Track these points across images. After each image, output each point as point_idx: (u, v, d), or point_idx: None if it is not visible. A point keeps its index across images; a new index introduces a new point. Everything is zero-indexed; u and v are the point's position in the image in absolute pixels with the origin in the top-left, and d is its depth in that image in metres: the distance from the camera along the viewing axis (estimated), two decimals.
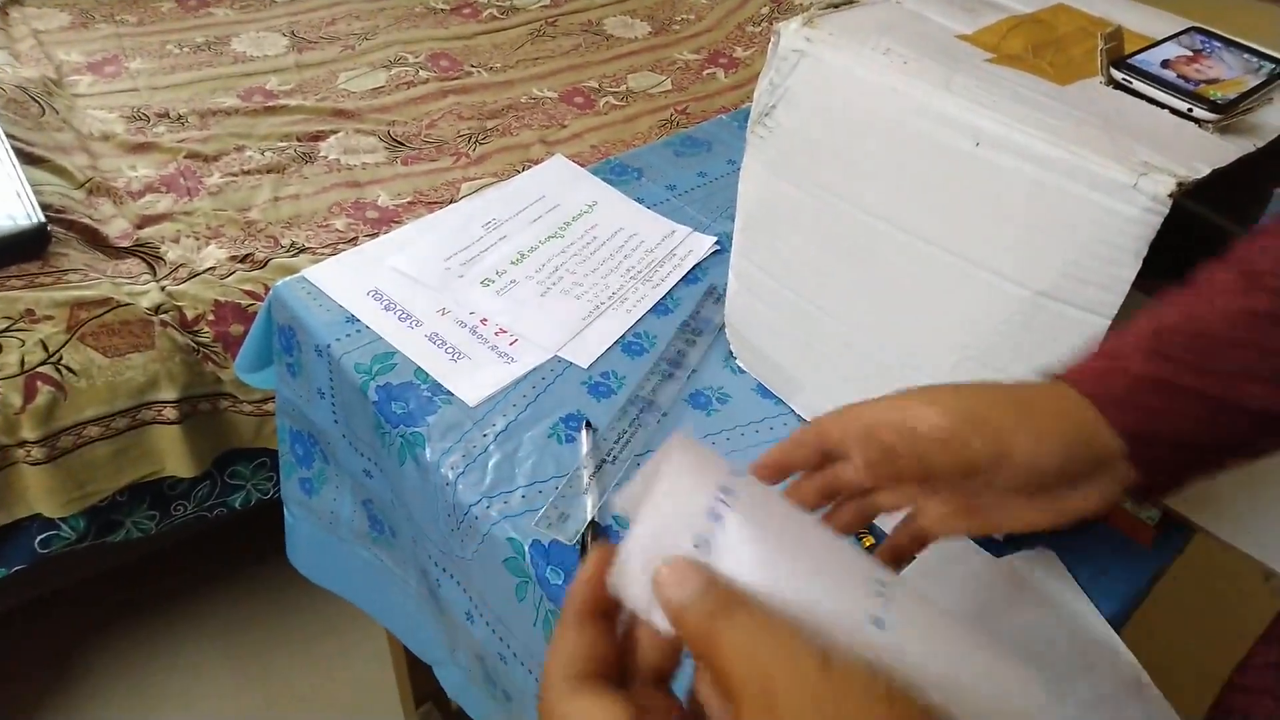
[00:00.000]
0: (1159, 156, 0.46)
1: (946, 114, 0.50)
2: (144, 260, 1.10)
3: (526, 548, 0.56)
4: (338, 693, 1.28)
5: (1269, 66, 0.57)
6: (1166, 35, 0.59)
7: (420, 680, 1.11)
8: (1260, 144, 0.51)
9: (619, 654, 0.29)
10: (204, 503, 1.10)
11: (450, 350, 0.69)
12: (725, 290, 0.70)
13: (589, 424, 0.64)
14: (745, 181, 0.63)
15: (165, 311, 1.02)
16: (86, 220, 1.12)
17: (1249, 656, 0.48)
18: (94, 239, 1.11)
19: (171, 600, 1.34)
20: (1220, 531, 0.55)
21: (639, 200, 0.86)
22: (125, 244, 1.12)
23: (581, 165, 0.91)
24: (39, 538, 1.00)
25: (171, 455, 1.00)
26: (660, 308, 0.75)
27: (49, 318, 0.97)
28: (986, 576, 0.56)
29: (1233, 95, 0.53)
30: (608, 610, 0.29)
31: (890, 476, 0.40)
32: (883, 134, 0.53)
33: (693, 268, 0.79)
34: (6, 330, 0.95)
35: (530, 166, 0.92)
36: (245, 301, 1.06)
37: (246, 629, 1.33)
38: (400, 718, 1.20)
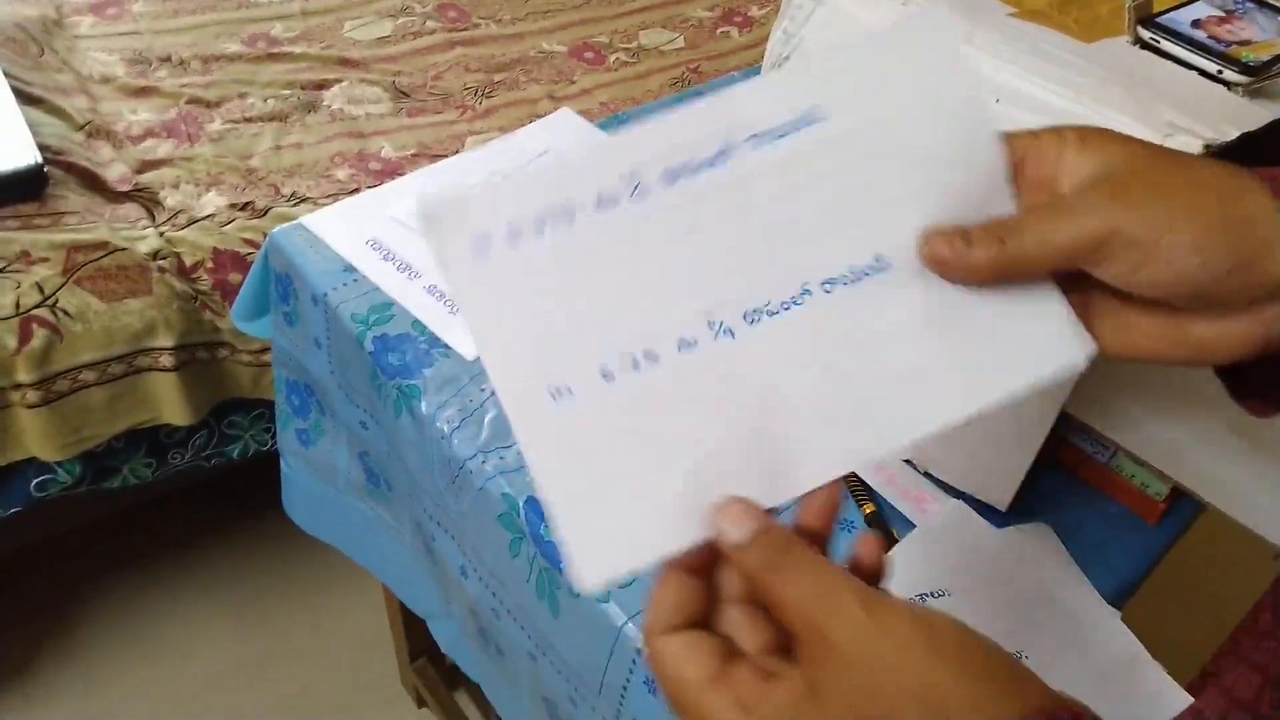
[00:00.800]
0: (1186, 118, 0.45)
1: None
2: (143, 205, 1.08)
3: (521, 504, 0.56)
4: (333, 644, 1.28)
5: None
6: None
7: (415, 634, 1.11)
8: None
9: (707, 598, 0.30)
10: (201, 452, 1.09)
11: (449, 303, 0.68)
12: None
13: None
14: None
15: (163, 258, 1.00)
16: (85, 163, 1.11)
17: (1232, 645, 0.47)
18: (92, 182, 1.09)
19: (169, 549, 1.34)
20: (1229, 508, 0.54)
21: None
22: (124, 188, 1.10)
23: (589, 121, 0.89)
24: (35, 481, 0.99)
25: (168, 403, 1.00)
26: None
27: (45, 260, 0.96)
28: (984, 546, 0.56)
29: (1265, 58, 0.51)
30: (693, 563, 0.30)
31: None
32: None
33: None
34: (2, 271, 0.94)
35: (537, 121, 0.90)
36: (244, 250, 1.04)
37: (243, 579, 1.33)
38: (395, 670, 1.21)
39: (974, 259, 0.31)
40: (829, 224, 0.32)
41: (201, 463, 1.10)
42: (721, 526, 0.29)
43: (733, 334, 0.31)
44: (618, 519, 0.30)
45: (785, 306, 0.31)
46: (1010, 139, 0.33)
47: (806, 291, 0.32)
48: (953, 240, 0.31)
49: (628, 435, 0.31)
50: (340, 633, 1.29)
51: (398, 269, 0.70)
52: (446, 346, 0.65)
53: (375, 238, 0.73)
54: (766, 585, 0.28)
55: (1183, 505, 0.58)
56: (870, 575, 0.30)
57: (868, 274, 0.32)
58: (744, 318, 0.31)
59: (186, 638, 1.27)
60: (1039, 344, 0.32)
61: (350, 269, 0.70)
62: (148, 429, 1.03)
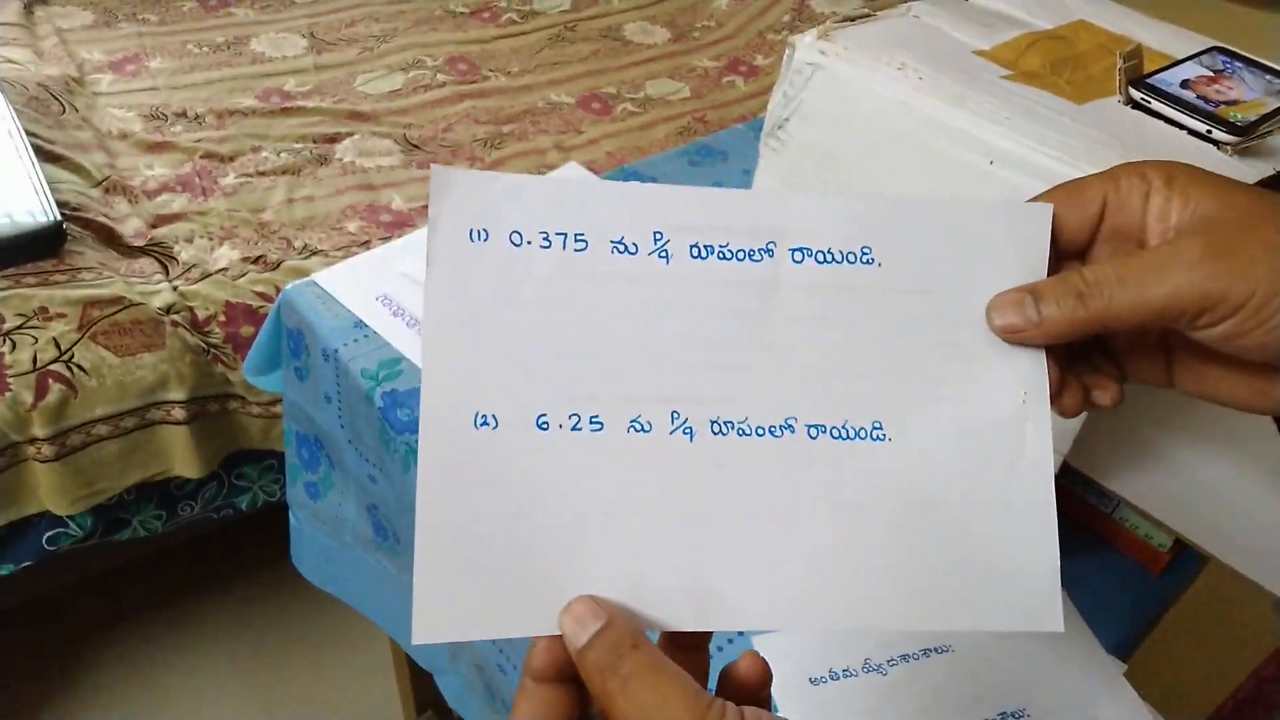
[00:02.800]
0: None
1: (960, 130, 0.49)
2: (157, 260, 1.10)
3: None
4: (340, 697, 1.28)
5: None
6: (1188, 55, 0.58)
7: (421, 688, 1.10)
8: None
9: (573, 706, 0.27)
10: (211, 503, 1.10)
11: None
12: None
13: None
14: None
15: (177, 311, 1.02)
16: (102, 219, 1.13)
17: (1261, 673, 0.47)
18: (109, 237, 1.11)
19: (177, 601, 1.34)
20: (1231, 560, 0.54)
21: None
22: (139, 243, 1.13)
23: (597, 172, 0.91)
24: (47, 535, 1.00)
25: (179, 455, 1.01)
26: None
27: (62, 315, 0.98)
28: None
29: (1253, 117, 0.52)
30: (562, 670, 0.27)
31: None
32: (896, 149, 0.53)
33: None
34: (20, 327, 0.96)
35: (545, 172, 0.91)
36: (256, 303, 1.06)
37: (251, 631, 1.33)
38: None
39: (1048, 316, 0.29)
40: (843, 368, 0.29)
41: (211, 514, 1.11)
42: (564, 624, 0.26)
43: (692, 435, 0.28)
44: (480, 580, 0.27)
45: (760, 431, 0.29)
46: (1084, 185, 0.31)
47: (789, 427, 0.29)
48: (1022, 305, 0.29)
49: (533, 495, 0.27)
50: (346, 686, 1.29)
51: (407, 324, 0.72)
52: None
53: (386, 293, 0.74)
54: (603, 692, 0.25)
55: (1187, 557, 0.58)
56: (748, 685, 0.28)
57: (861, 437, 0.29)
58: (711, 424, 0.29)
59: (193, 690, 1.26)
60: (1014, 596, 0.30)
61: (361, 325, 0.71)
62: (158, 481, 1.04)
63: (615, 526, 0.27)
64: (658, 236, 0.29)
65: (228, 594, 1.36)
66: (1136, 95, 0.54)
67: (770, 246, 0.29)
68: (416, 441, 0.63)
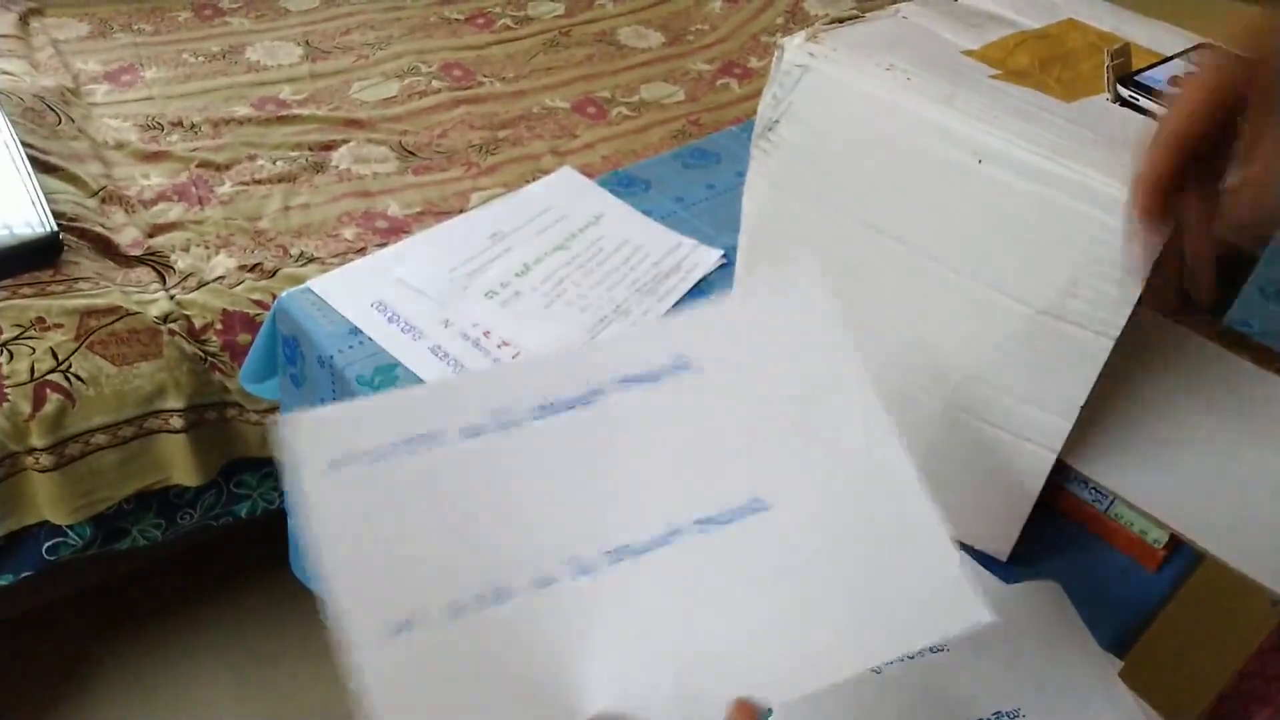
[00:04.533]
0: None
1: (949, 130, 0.50)
2: (154, 269, 1.11)
3: None
4: (339, 705, 1.27)
5: None
6: (1175, 52, 0.59)
7: None
8: None
9: None
10: (210, 511, 1.10)
11: (452, 363, 0.69)
12: None
13: None
14: (749, 196, 0.63)
15: (174, 320, 1.02)
16: (99, 229, 1.13)
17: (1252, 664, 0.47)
18: (105, 247, 1.12)
19: (177, 609, 1.34)
20: (1226, 556, 0.54)
21: (646, 212, 0.86)
22: (136, 252, 1.13)
23: (591, 176, 0.91)
24: (46, 544, 1.00)
25: (178, 464, 1.01)
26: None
27: (59, 326, 0.98)
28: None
29: None
30: None
31: None
32: (885, 150, 0.53)
33: (699, 281, 0.79)
34: (17, 338, 0.96)
35: (541, 177, 0.92)
36: (253, 311, 1.06)
37: (251, 638, 1.33)
38: None
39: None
40: (702, 464, 0.32)
41: (210, 522, 1.11)
42: None
43: (594, 574, 0.30)
44: None
45: (651, 547, 0.30)
46: None
47: (676, 531, 0.31)
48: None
49: (469, 677, 0.29)
50: (345, 694, 1.28)
51: (402, 330, 0.72)
52: None
53: (380, 300, 0.74)
54: None
55: (1183, 552, 0.58)
56: None
57: (743, 515, 0.31)
58: (606, 556, 0.30)
59: (193, 698, 1.26)
60: (935, 604, 0.32)
61: (356, 331, 0.71)
62: (157, 490, 1.04)
63: (562, 673, 0.29)
64: (500, 414, 0.31)
65: (229, 602, 1.36)
66: (1124, 92, 0.54)
67: (598, 388, 0.32)
68: None
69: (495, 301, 0.75)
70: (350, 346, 0.70)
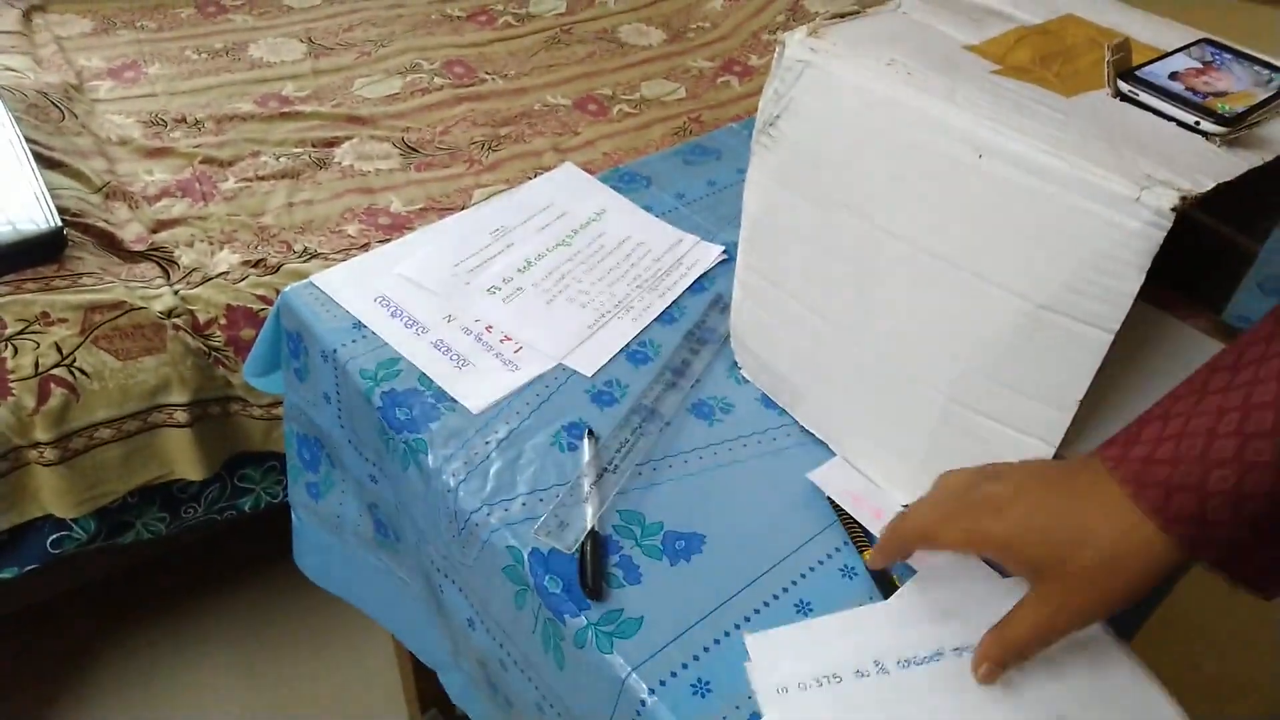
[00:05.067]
0: (1163, 169, 0.46)
1: (949, 125, 0.50)
2: (158, 264, 1.11)
3: (526, 555, 0.56)
4: (344, 696, 1.28)
5: (1279, 79, 0.57)
6: (1176, 47, 0.59)
7: (425, 685, 1.11)
8: (1268, 158, 0.51)
9: None
10: (214, 505, 1.11)
11: (455, 357, 0.70)
12: (731, 299, 0.69)
13: (591, 432, 0.64)
14: (750, 191, 0.63)
15: (178, 315, 1.03)
16: (103, 224, 1.14)
17: None
18: (109, 243, 1.12)
19: (180, 603, 1.35)
20: None
21: (647, 208, 0.87)
22: (140, 248, 1.13)
23: (593, 173, 0.91)
24: (50, 538, 1.01)
25: (181, 458, 1.01)
26: (666, 316, 0.75)
27: (63, 320, 0.98)
28: (992, 592, 0.56)
29: (1241, 108, 0.53)
30: None
31: None
32: (886, 145, 0.53)
33: (700, 277, 0.79)
34: (22, 333, 0.96)
35: (542, 173, 0.92)
36: (257, 306, 1.07)
37: (254, 632, 1.33)
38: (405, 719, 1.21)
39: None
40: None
41: (214, 516, 1.12)
42: None
43: None
44: None
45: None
46: None
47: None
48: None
49: None
50: (351, 685, 1.29)
51: (405, 325, 0.72)
52: (453, 400, 0.66)
53: (383, 294, 0.75)
54: None
55: None
56: None
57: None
58: None
59: (198, 691, 1.27)
60: None
61: (359, 325, 0.72)
62: (161, 484, 1.04)
63: None
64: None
65: (232, 596, 1.36)
66: (1124, 88, 0.54)
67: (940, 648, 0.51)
68: (414, 440, 0.63)
69: (498, 297, 0.75)
70: (353, 341, 0.71)
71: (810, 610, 0.54)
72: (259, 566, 1.38)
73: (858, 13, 0.60)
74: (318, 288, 0.75)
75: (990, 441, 0.55)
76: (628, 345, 0.72)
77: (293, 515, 0.87)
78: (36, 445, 0.95)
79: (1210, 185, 0.45)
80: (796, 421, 0.67)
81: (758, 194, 0.63)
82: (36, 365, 0.95)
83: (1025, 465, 0.49)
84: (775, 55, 0.58)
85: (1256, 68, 0.58)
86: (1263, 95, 0.55)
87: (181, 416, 1.00)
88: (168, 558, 1.32)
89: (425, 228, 0.83)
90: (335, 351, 0.70)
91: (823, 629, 0.52)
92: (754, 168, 0.62)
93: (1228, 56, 0.59)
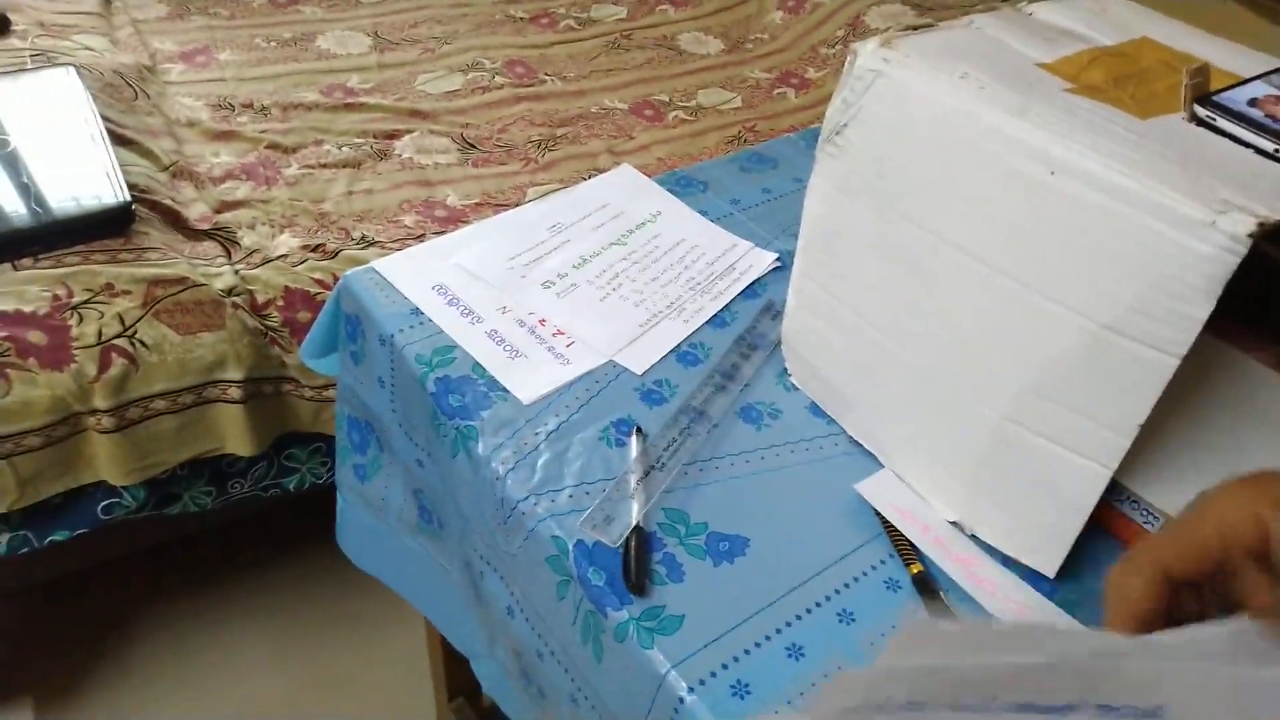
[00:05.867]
0: (1240, 195, 0.45)
1: (1021, 141, 0.50)
2: (220, 243, 1.14)
3: (570, 547, 0.57)
4: (373, 681, 1.30)
5: None
6: (1255, 74, 0.58)
7: (455, 673, 1.12)
8: None
9: None
10: (260, 482, 1.13)
11: (509, 348, 0.71)
12: (783, 307, 0.70)
13: (639, 429, 0.64)
14: (811, 198, 0.64)
15: (237, 294, 1.05)
16: (169, 202, 1.17)
17: None
18: (175, 220, 1.15)
19: (219, 576, 1.38)
20: None
21: (703, 213, 0.87)
22: (204, 227, 1.16)
23: (648, 175, 0.92)
24: (102, 504, 1.03)
25: (232, 434, 1.04)
26: (717, 320, 0.75)
27: (127, 293, 1.01)
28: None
29: None
30: None
31: None
32: (955, 157, 0.53)
33: (752, 283, 0.79)
34: (87, 302, 0.99)
35: (596, 174, 0.93)
36: (314, 289, 1.09)
37: (289, 611, 1.36)
38: (433, 709, 1.22)
39: None
40: None
41: (259, 493, 1.14)
42: None
43: None
44: None
45: None
46: None
47: None
48: None
49: None
50: (380, 670, 1.31)
51: (461, 314, 0.73)
52: (505, 390, 0.67)
53: (441, 283, 0.76)
54: None
55: None
56: None
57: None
58: None
59: (230, 666, 1.29)
60: None
61: (417, 312, 0.73)
62: (210, 459, 1.07)
63: None
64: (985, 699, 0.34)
65: (270, 573, 1.39)
66: (1202, 112, 0.54)
67: (1078, 704, 0.33)
68: (465, 427, 0.64)
69: (552, 291, 0.76)
70: (410, 327, 0.72)
71: (853, 620, 0.54)
72: (298, 546, 1.41)
73: (931, 26, 0.60)
74: (378, 273, 0.77)
75: (1045, 462, 0.54)
76: (678, 346, 0.73)
77: (338, 496, 0.88)
78: (95, 412, 0.98)
79: None
80: (845, 431, 0.66)
81: (820, 201, 0.63)
82: (99, 335, 0.98)
83: None
84: (846, 64, 0.58)
85: None
86: None
87: (235, 393, 1.03)
88: (211, 531, 1.35)
89: (483, 221, 0.84)
90: (392, 336, 0.71)
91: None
92: (817, 175, 0.62)
93: None
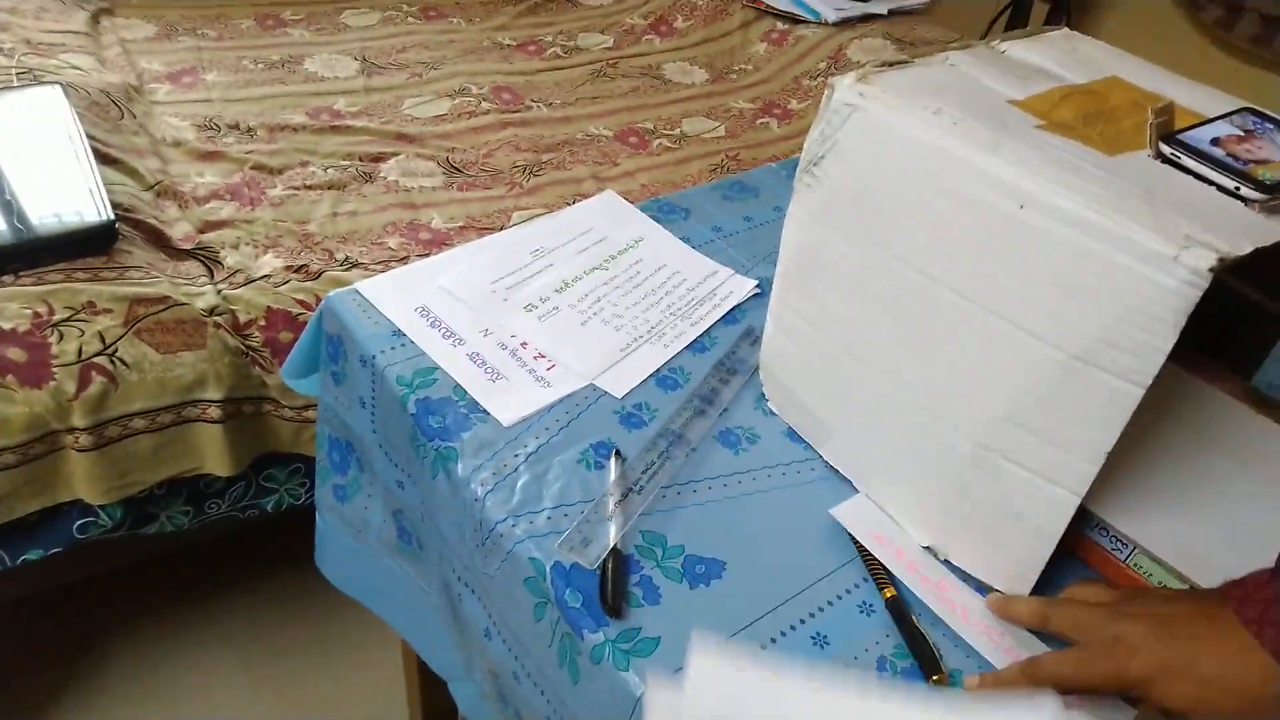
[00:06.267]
0: (1202, 231, 0.47)
1: (992, 175, 0.51)
2: (203, 263, 1.14)
3: (548, 569, 0.57)
4: (349, 703, 1.28)
5: None
6: (1218, 114, 0.60)
7: (431, 698, 1.11)
8: None
9: None
10: (238, 503, 1.12)
11: (490, 370, 0.71)
12: (762, 333, 0.71)
13: (618, 452, 0.65)
14: (789, 228, 0.65)
15: (219, 314, 1.05)
16: (152, 221, 1.17)
17: None
18: (158, 239, 1.15)
19: (195, 598, 1.36)
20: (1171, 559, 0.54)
21: (685, 239, 0.88)
22: (187, 246, 1.16)
23: (632, 202, 0.93)
24: (77, 523, 1.02)
25: (211, 453, 1.03)
26: (697, 345, 0.76)
27: (108, 311, 1.01)
28: None
29: None
30: None
31: None
32: (928, 191, 0.55)
33: (732, 309, 0.80)
34: (68, 319, 0.99)
35: (580, 200, 0.94)
36: (296, 310, 1.09)
37: (264, 633, 1.34)
38: None
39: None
40: None
41: (236, 513, 1.13)
42: None
43: None
44: None
45: None
46: None
47: None
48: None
49: None
50: (355, 692, 1.30)
51: (443, 335, 0.74)
52: (485, 412, 0.67)
53: (424, 305, 0.76)
54: None
55: None
56: None
57: None
58: None
59: (205, 689, 1.28)
60: None
61: (399, 333, 0.74)
62: (188, 478, 1.06)
63: None
64: None
65: (246, 595, 1.38)
66: (1166, 150, 0.55)
67: None
68: (445, 448, 0.65)
69: (534, 315, 0.77)
70: (392, 348, 0.72)
71: (827, 643, 0.55)
72: (275, 567, 1.39)
73: (906, 62, 0.62)
74: (361, 294, 0.77)
75: (1017, 489, 0.55)
76: (658, 370, 0.73)
77: (317, 518, 0.88)
78: (73, 430, 0.98)
79: (1248, 249, 0.46)
80: (821, 456, 0.67)
81: (797, 231, 0.64)
82: (79, 352, 0.98)
83: (1151, 600, 0.52)
84: (824, 97, 0.59)
85: None
86: None
87: (215, 413, 1.02)
88: (187, 551, 1.34)
89: (467, 244, 0.85)
90: (374, 357, 0.72)
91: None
92: (795, 205, 0.63)
93: (1269, 126, 0.60)
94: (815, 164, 0.60)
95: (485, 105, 1.63)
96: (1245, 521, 0.59)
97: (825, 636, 0.55)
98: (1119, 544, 0.59)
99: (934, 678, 0.54)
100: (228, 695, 1.27)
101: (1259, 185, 0.52)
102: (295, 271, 1.15)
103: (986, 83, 0.62)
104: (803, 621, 0.56)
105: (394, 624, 0.86)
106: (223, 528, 1.18)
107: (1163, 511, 0.60)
